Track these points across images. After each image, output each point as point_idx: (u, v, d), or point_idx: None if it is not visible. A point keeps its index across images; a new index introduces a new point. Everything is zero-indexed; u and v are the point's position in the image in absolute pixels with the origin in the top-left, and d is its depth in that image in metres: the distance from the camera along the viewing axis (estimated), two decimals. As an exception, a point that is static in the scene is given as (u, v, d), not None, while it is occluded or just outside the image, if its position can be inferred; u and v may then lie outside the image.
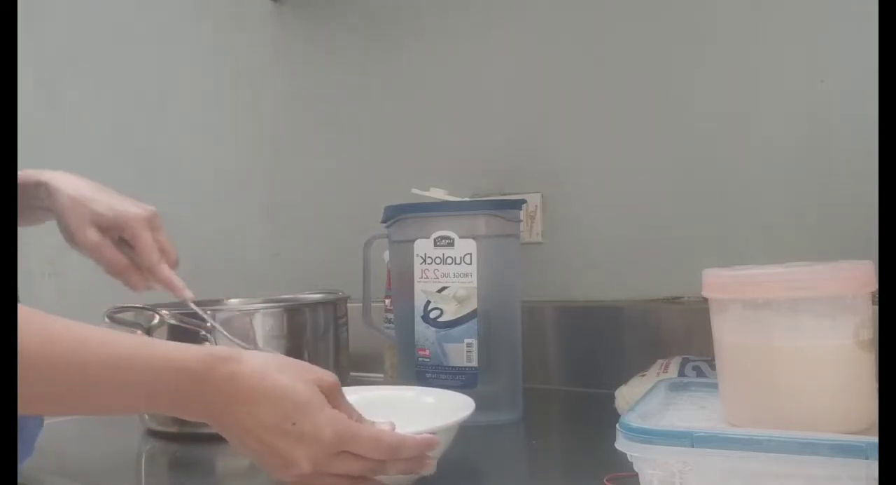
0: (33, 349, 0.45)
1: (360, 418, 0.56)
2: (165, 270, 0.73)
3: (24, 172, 0.74)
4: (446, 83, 1.18)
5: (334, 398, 0.54)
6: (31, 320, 0.47)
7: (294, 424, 0.51)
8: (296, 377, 0.52)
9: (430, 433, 0.57)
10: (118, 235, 0.72)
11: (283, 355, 0.56)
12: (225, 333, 0.76)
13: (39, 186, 0.72)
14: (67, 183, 0.72)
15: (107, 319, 0.83)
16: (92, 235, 0.69)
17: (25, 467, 0.70)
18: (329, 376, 0.55)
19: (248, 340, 0.86)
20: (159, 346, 0.51)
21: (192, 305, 0.75)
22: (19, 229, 0.79)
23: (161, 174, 1.52)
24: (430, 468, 0.58)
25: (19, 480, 0.69)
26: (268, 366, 0.52)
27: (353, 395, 0.74)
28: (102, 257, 0.70)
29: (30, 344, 0.45)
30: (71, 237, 0.71)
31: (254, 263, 1.38)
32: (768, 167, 0.93)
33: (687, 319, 0.94)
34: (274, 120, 1.38)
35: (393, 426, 0.57)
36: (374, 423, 0.57)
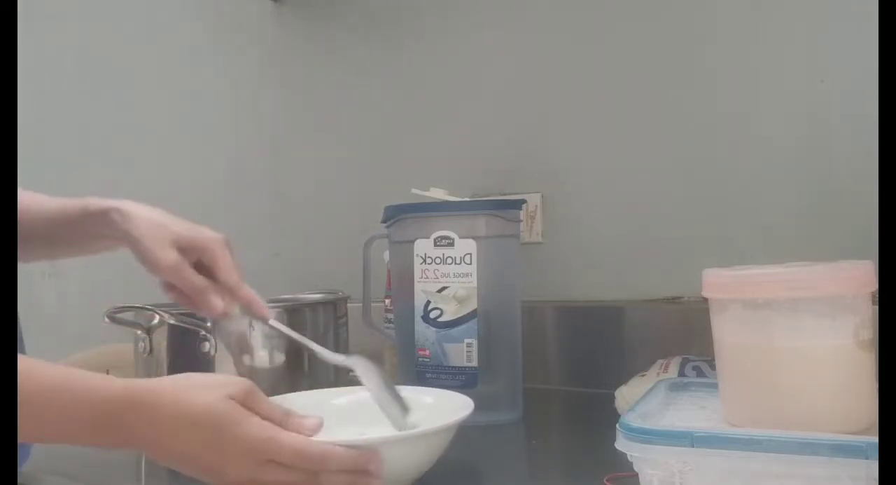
0: None
1: (285, 416, 0.56)
2: (246, 289, 0.72)
3: (87, 201, 0.73)
4: (446, 83, 1.18)
5: (253, 404, 0.55)
6: None
7: (215, 440, 0.52)
8: (211, 395, 0.53)
9: (372, 445, 0.56)
10: (195, 258, 0.71)
11: (195, 374, 0.57)
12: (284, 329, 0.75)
13: (111, 212, 0.71)
14: (138, 208, 0.72)
15: (107, 319, 0.83)
16: (172, 255, 0.69)
17: (25, 467, 0.70)
18: (242, 385, 0.55)
19: (247, 344, 0.86)
20: (83, 380, 0.52)
21: (276, 324, 0.74)
22: (75, 258, 0.79)
23: (161, 174, 1.52)
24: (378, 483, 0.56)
25: (19, 480, 0.69)
26: (184, 389, 0.54)
27: (349, 395, 0.74)
28: (182, 278, 0.70)
29: None
30: (150, 259, 0.70)
31: (254, 263, 1.38)
32: (768, 167, 0.93)
33: (687, 319, 0.94)
34: (274, 120, 1.38)
35: (320, 421, 0.57)
36: (303, 417, 0.57)
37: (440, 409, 0.68)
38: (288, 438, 0.54)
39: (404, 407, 0.67)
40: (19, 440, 0.51)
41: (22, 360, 0.51)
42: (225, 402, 0.53)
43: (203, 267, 0.71)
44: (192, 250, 0.70)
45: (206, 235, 0.71)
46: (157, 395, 0.53)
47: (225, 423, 0.53)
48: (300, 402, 0.70)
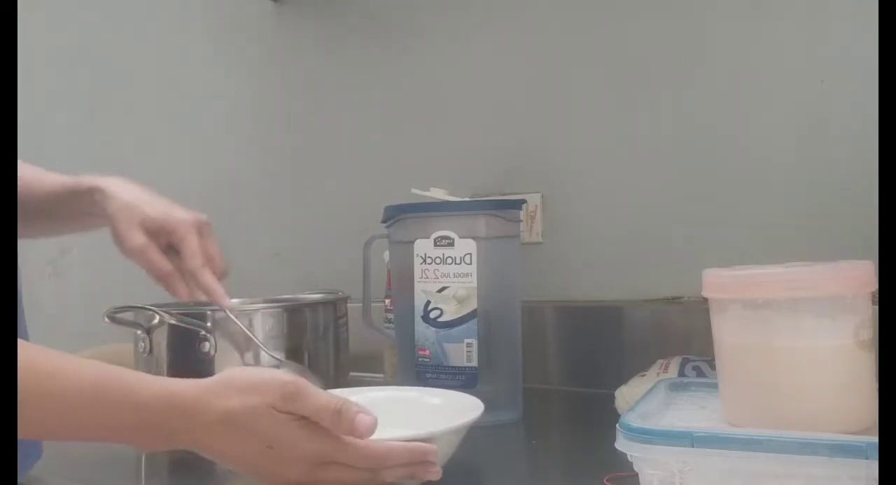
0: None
1: (338, 413, 0.53)
2: (207, 275, 0.72)
3: (80, 178, 0.74)
4: (446, 83, 1.18)
5: (298, 407, 0.52)
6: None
7: (271, 447, 0.51)
8: (254, 402, 0.51)
9: (429, 438, 0.57)
10: (165, 241, 0.71)
11: (239, 374, 0.54)
12: (259, 343, 0.75)
13: (94, 191, 0.72)
14: (122, 188, 0.72)
15: (107, 319, 0.83)
16: (138, 237, 0.69)
17: (36, 468, 0.70)
18: (285, 386, 0.52)
19: (249, 343, 0.86)
20: (124, 381, 0.51)
21: (230, 314, 0.74)
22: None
23: (160, 174, 1.51)
24: (435, 475, 0.56)
25: (20, 480, 0.69)
26: (223, 397, 0.51)
27: (358, 396, 0.73)
28: (147, 261, 0.70)
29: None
30: (119, 241, 0.70)
31: (254, 263, 1.38)
32: (768, 167, 0.93)
33: (687, 319, 0.94)
34: (274, 120, 1.38)
35: (375, 420, 0.54)
36: (357, 412, 0.53)
37: (447, 410, 0.68)
38: (346, 442, 0.52)
39: None
40: (53, 439, 0.51)
41: (63, 357, 0.50)
42: (268, 411, 0.51)
43: (174, 249, 0.71)
44: (162, 233, 0.70)
45: (176, 216, 0.71)
46: (197, 400, 0.51)
47: (272, 432, 0.51)
48: None
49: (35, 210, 0.74)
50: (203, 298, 0.73)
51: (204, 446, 0.52)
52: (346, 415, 0.53)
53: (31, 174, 0.75)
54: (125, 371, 0.52)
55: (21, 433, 0.47)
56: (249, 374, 0.54)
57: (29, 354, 0.49)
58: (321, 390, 0.54)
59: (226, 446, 0.51)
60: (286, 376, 0.53)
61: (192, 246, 0.71)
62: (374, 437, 0.54)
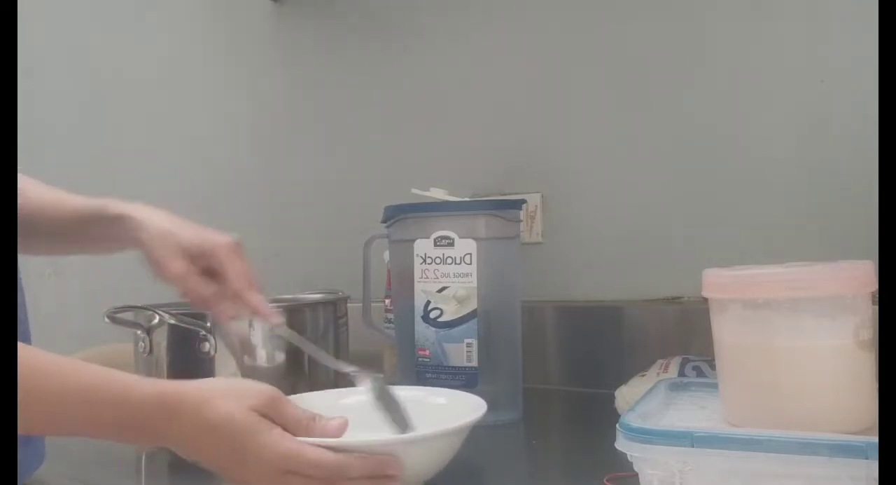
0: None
1: (311, 420, 0.57)
2: (255, 296, 0.72)
3: (106, 203, 0.74)
4: (446, 83, 1.18)
5: (277, 414, 0.55)
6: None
7: (235, 451, 0.53)
8: (232, 405, 0.54)
9: (389, 445, 0.57)
10: (204, 265, 0.71)
11: (223, 379, 0.59)
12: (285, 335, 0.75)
13: (123, 218, 0.72)
14: (152, 215, 0.72)
15: (107, 319, 0.83)
16: (179, 265, 0.69)
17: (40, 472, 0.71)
18: (266, 394, 0.56)
19: (247, 344, 0.86)
20: (116, 381, 0.54)
21: (283, 332, 0.74)
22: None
23: (161, 174, 1.52)
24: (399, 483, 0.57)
25: (23, 481, 0.69)
26: (206, 398, 0.54)
27: (360, 396, 0.72)
28: (189, 288, 0.70)
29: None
30: (158, 269, 0.70)
31: (254, 263, 1.38)
32: (768, 167, 0.93)
33: (687, 319, 0.94)
34: (274, 120, 1.38)
35: (345, 422, 0.58)
36: (329, 419, 0.58)
37: (452, 410, 0.68)
38: (306, 450, 0.54)
39: (408, 425, 0.66)
40: (49, 434, 0.53)
41: (55, 358, 0.52)
42: (246, 413, 0.54)
43: (213, 272, 0.71)
44: (201, 257, 0.71)
45: (214, 241, 0.71)
46: (181, 400, 0.54)
47: (244, 434, 0.53)
48: (307, 404, 0.70)
49: (56, 232, 0.75)
50: (249, 317, 0.74)
51: (185, 446, 0.55)
52: (319, 420, 0.58)
53: (52, 196, 0.76)
54: (118, 373, 0.54)
55: (20, 429, 0.49)
56: (236, 380, 0.58)
57: (28, 353, 0.51)
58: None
59: (202, 445, 0.54)
60: (269, 386, 0.57)
61: (235, 269, 0.72)
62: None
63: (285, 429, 0.55)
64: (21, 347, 0.50)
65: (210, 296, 0.70)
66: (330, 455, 0.54)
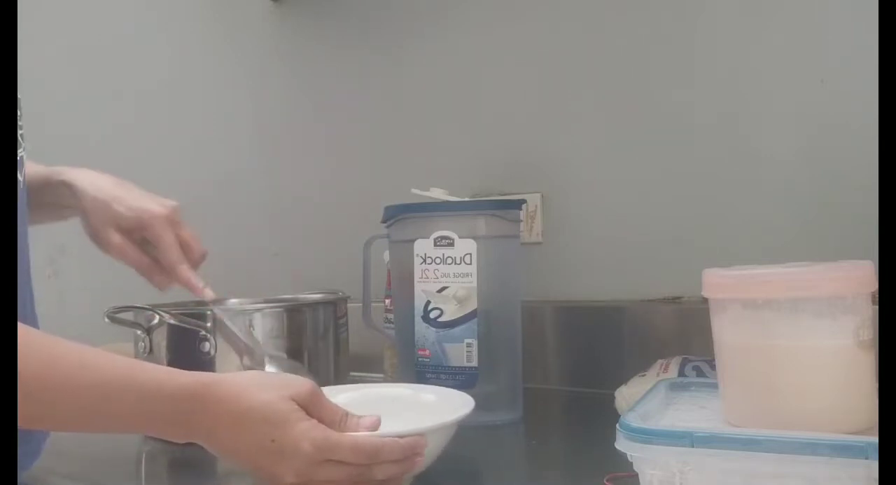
0: (32, 372, 0.48)
1: (345, 416, 0.58)
2: (185, 270, 0.72)
3: (50, 170, 0.75)
4: (446, 83, 1.18)
5: (314, 407, 0.56)
6: (32, 343, 0.49)
7: (273, 441, 0.53)
8: (272, 395, 0.54)
9: (419, 433, 0.58)
10: (140, 236, 0.72)
11: (261, 372, 0.58)
12: (237, 333, 0.75)
13: (64, 185, 0.73)
14: (90, 183, 0.72)
15: (107, 319, 0.83)
16: (114, 237, 0.70)
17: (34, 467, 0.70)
18: (305, 386, 0.56)
19: (250, 341, 0.86)
20: (150, 373, 0.53)
21: (215, 309, 0.74)
22: (44, 226, 0.79)
23: (161, 174, 1.51)
24: (419, 466, 0.58)
25: (19, 480, 0.69)
26: (245, 387, 0.54)
27: (353, 392, 0.74)
28: (126, 258, 0.71)
29: (29, 367, 0.47)
30: (96, 239, 0.71)
31: (254, 263, 1.38)
32: (768, 167, 0.93)
33: (687, 319, 0.94)
34: (274, 120, 1.38)
35: (378, 419, 0.58)
36: (360, 417, 0.58)
37: (441, 407, 0.68)
38: (343, 438, 0.54)
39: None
40: (77, 430, 0.53)
41: (91, 351, 0.52)
42: (285, 403, 0.54)
43: (149, 243, 0.72)
44: (136, 229, 0.71)
45: (149, 212, 0.71)
46: (217, 389, 0.53)
47: (284, 423, 0.53)
48: None
49: None
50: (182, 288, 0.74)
51: (216, 438, 0.54)
52: (352, 416, 0.58)
53: None
54: (149, 364, 0.54)
55: (53, 424, 0.51)
56: (276, 373, 0.59)
57: (60, 348, 0.50)
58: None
59: (234, 437, 0.53)
60: (307, 379, 0.57)
61: (167, 241, 0.72)
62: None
63: (321, 422, 0.55)
64: (53, 340, 0.50)
65: (146, 265, 0.71)
66: (366, 439, 0.55)
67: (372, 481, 0.56)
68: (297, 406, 0.54)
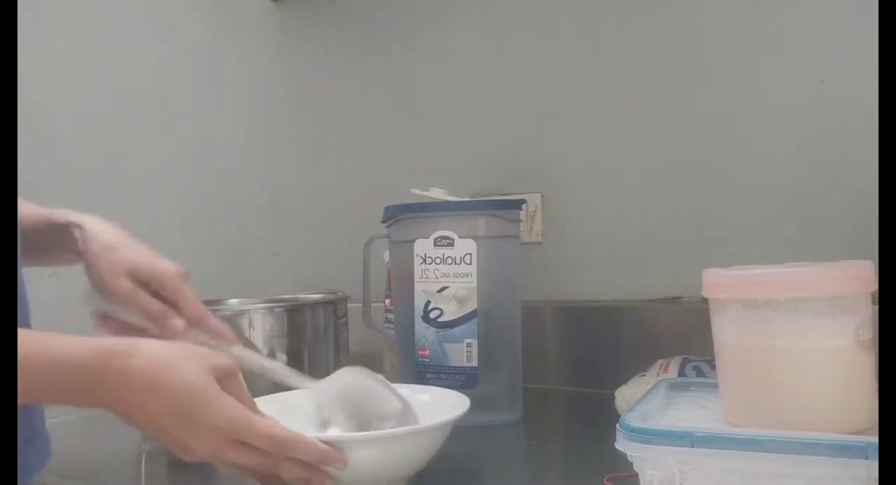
0: None
1: (252, 407, 0.56)
2: (214, 320, 0.70)
3: (56, 211, 0.72)
4: (446, 83, 1.18)
5: (229, 385, 0.55)
6: None
7: (187, 412, 0.52)
8: (190, 367, 0.53)
9: (339, 442, 0.56)
10: (151, 291, 0.68)
11: (181, 343, 0.57)
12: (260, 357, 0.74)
13: (72, 226, 0.70)
14: (102, 229, 0.70)
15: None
16: (126, 283, 0.67)
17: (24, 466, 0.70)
18: (224, 363, 0.56)
19: (247, 344, 0.86)
20: (58, 342, 0.52)
21: (240, 352, 0.72)
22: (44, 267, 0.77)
23: (161, 174, 1.52)
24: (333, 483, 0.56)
25: (27, 482, 0.69)
26: (162, 357, 0.54)
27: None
28: (138, 303, 0.68)
29: None
30: (103, 283, 0.68)
31: (254, 263, 1.38)
32: (768, 167, 0.93)
33: (687, 319, 0.94)
34: (274, 120, 1.38)
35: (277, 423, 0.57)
36: (264, 416, 0.57)
37: (436, 407, 0.68)
38: (258, 420, 0.54)
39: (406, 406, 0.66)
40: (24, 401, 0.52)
41: (24, 332, 0.51)
42: (204, 376, 0.53)
43: (159, 297, 0.69)
44: (150, 283, 0.68)
45: (165, 269, 0.69)
46: (132, 358, 0.53)
47: (200, 395, 0.53)
48: (304, 400, 0.70)
49: None
50: (204, 340, 0.70)
51: (128, 406, 0.53)
52: (256, 407, 0.56)
53: None
54: (66, 336, 0.53)
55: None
56: (194, 346, 0.58)
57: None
58: None
59: (147, 406, 0.53)
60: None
61: (189, 296, 0.69)
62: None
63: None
64: None
65: (162, 311, 0.68)
66: (280, 429, 0.54)
67: (275, 476, 0.55)
68: (213, 379, 0.54)
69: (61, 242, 0.72)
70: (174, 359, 0.54)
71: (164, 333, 0.68)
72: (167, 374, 0.53)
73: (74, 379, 0.52)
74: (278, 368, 0.70)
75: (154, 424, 0.53)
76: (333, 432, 0.64)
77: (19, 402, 0.52)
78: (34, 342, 0.52)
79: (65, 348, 0.52)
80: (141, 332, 0.69)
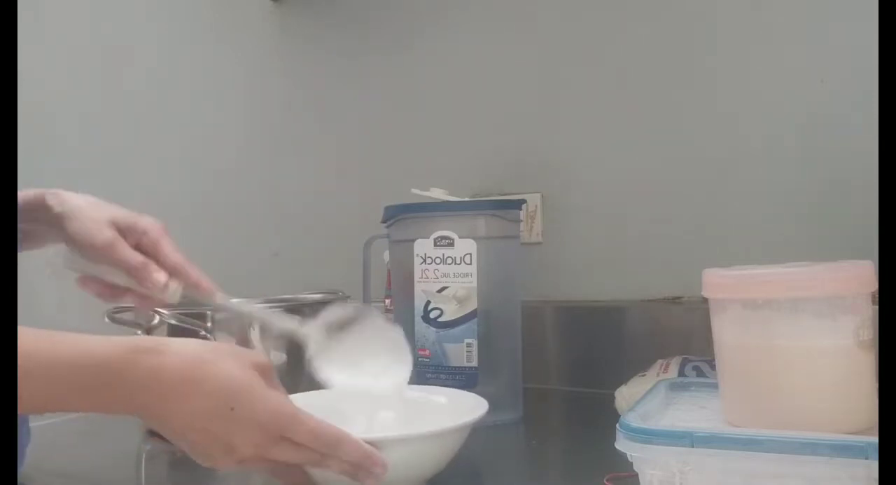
0: None
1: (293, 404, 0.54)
2: (194, 269, 0.67)
3: (24, 193, 0.69)
4: (446, 83, 1.18)
5: (271, 379, 0.53)
6: None
7: (232, 408, 0.49)
8: (231, 362, 0.51)
9: (378, 443, 0.55)
10: (133, 242, 0.66)
11: (213, 342, 0.55)
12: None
13: (45, 196, 0.68)
14: (77, 194, 0.68)
15: (107, 319, 0.83)
16: (108, 232, 0.64)
17: (24, 469, 0.70)
18: (263, 358, 0.53)
19: (247, 344, 0.86)
20: (78, 341, 0.48)
21: (223, 301, 0.71)
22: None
23: (160, 174, 1.52)
24: (375, 483, 0.55)
25: (18, 480, 0.69)
26: (198, 354, 0.50)
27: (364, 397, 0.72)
28: (118, 254, 0.65)
29: None
30: (85, 236, 0.65)
31: (254, 263, 1.38)
32: (768, 167, 0.93)
33: (687, 319, 0.94)
34: (274, 120, 1.38)
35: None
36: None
37: (453, 409, 0.67)
38: (307, 416, 0.52)
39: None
40: (25, 411, 0.48)
41: (33, 332, 0.48)
42: (248, 370, 0.51)
43: (142, 249, 0.67)
44: (132, 233, 0.67)
45: (146, 220, 0.68)
46: (165, 355, 0.49)
47: (246, 390, 0.50)
48: (308, 404, 0.70)
49: None
50: (183, 290, 0.68)
51: (160, 407, 0.49)
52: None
53: None
54: (82, 335, 0.49)
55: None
56: (229, 344, 0.56)
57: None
58: None
59: (187, 406, 0.49)
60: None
61: (169, 244, 0.67)
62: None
63: None
64: None
65: (142, 263, 0.65)
66: (329, 426, 0.52)
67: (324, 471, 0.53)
68: (257, 374, 0.51)
69: (33, 217, 0.69)
70: (211, 355, 0.51)
71: (146, 288, 0.66)
72: (206, 371, 0.50)
73: (101, 380, 0.48)
74: (262, 312, 0.70)
75: (192, 425, 0.50)
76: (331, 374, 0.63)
77: (38, 411, 0.49)
78: (54, 342, 0.48)
79: (89, 347, 0.48)
80: (125, 291, 0.67)
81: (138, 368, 0.48)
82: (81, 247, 0.66)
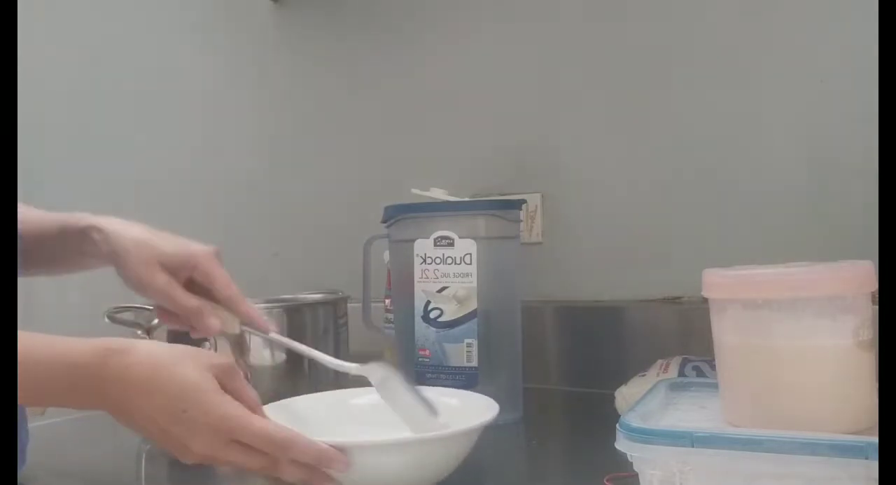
0: None
1: (255, 407, 0.56)
2: (246, 304, 0.69)
3: (71, 216, 0.70)
4: (446, 83, 1.18)
5: (230, 383, 0.55)
6: None
7: (185, 410, 0.52)
8: (188, 365, 0.53)
9: (342, 447, 0.55)
10: (185, 277, 0.67)
11: (178, 345, 0.57)
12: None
13: (91, 230, 0.68)
14: (124, 226, 0.68)
15: (107, 319, 0.83)
16: (161, 278, 0.65)
17: (24, 469, 0.70)
18: (223, 361, 0.55)
19: (247, 345, 0.86)
20: (54, 343, 0.52)
21: (276, 337, 0.71)
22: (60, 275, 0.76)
23: (161, 175, 1.52)
24: None
25: (18, 480, 0.69)
26: (160, 355, 0.54)
27: (371, 395, 0.71)
28: (173, 300, 0.66)
29: None
30: (138, 283, 0.66)
31: (254, 263, 1.38)
32: (768, 167, 0.93)
33: (687, 319, 0.94)
34: (274, 120, 1.38)
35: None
36: (266, 417, 0.56)
37: (465, 411, 0.67)
38: (256, 420, 0.53)
39: (432, 410, 0.65)
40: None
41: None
42: (203, 374, 0.53)
43: (195, 283, 0.68)
44: (183, 269, 0.67)
45: (194, 250, 0.68)
46: (131, 355, 0.53)
47: (197, 393, 0.52)
48: (309, 404, 0.70)
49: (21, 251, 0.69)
50: (237, 329, 0.70)
51: (127, 405, 0.53)
52: (260, 410, 0.56)
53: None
54: (62, 337, 0.53)
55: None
56: (191, 347, 0.57)
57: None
58: None
59: (145, 405, 0.52)
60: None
61: (222, 276, 0.68)
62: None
63: (236, 400, 0.54)
64: None
65: (197, 308, 0.67)
66: (278, 428, 0.54)
67: (276, 478, 0.54)
68: (212, 377, 0.53)
69: (76, 247, 0.69)
70: (171, 357, 0.53)
71: (201, 331, 0.68)
72: (165, 372, 0.52)
73: (74, 378, 0.52)
74: (319, 355, 0.69)
75: (152, 424, 0.53)
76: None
77: (20, 403, 0.52)
78: (33, 343, 0.52)
79: (64, 348, 0.52)
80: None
81: (107, 368, 0.52)
82: (136, 291, 0.67)
